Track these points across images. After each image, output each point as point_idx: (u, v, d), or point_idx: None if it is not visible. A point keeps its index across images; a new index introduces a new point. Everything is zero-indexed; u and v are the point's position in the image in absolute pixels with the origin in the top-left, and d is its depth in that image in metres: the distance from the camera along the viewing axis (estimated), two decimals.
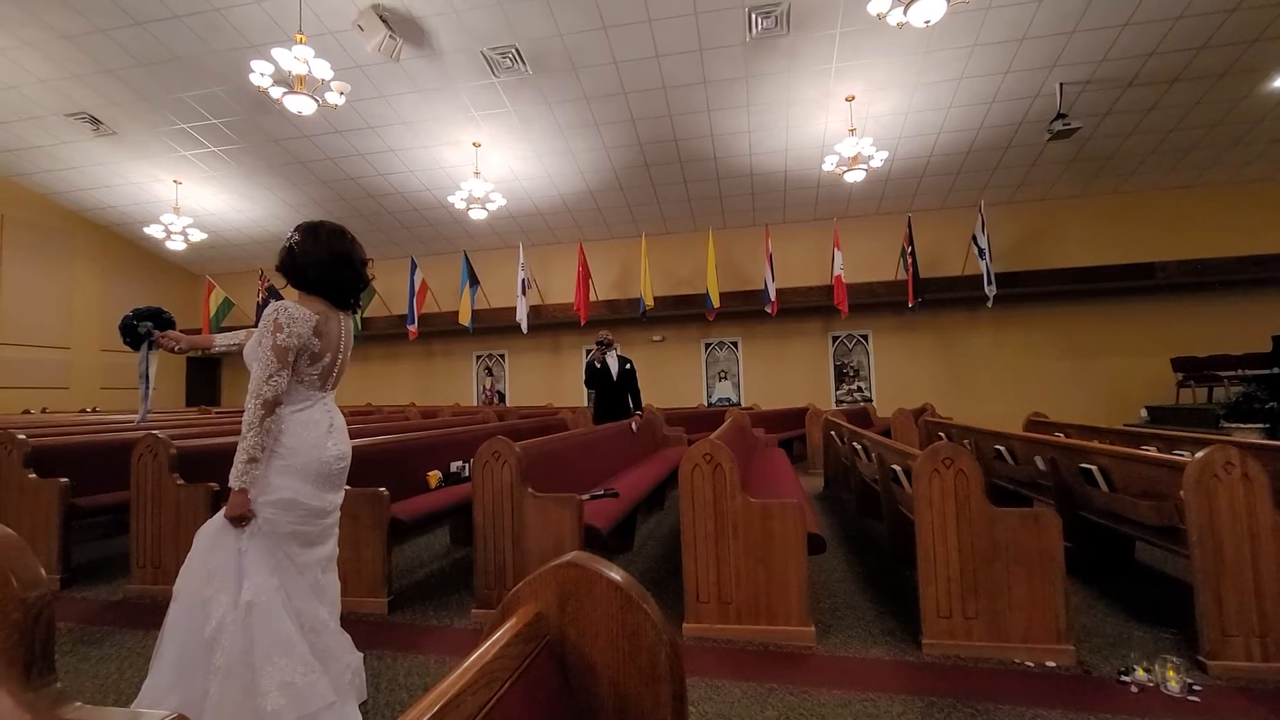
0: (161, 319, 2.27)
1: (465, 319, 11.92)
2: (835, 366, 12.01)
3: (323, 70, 6.15)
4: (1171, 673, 2.21)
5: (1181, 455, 2.54)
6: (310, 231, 1.95)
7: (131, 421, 6.22)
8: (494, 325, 12.38)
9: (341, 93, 6.26)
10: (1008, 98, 8.63)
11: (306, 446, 1.85)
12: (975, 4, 6.91)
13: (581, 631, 0.77)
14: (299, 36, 6.24)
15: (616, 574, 0.78)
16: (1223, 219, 10.28)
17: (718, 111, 8.88)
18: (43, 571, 1.02)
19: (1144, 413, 9.58)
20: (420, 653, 2.63)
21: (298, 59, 6.02)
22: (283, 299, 1.91)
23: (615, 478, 4.32)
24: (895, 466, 3.24)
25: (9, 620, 0.95)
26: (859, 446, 4.42)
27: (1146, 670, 2.29)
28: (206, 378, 14.91)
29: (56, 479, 3.61)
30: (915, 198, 10.92)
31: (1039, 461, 3.77)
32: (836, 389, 11.91)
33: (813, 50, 7.72)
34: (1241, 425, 7.29)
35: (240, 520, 1.75)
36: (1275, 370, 7.77)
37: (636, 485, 4.02)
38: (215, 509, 3.27)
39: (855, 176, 8.78)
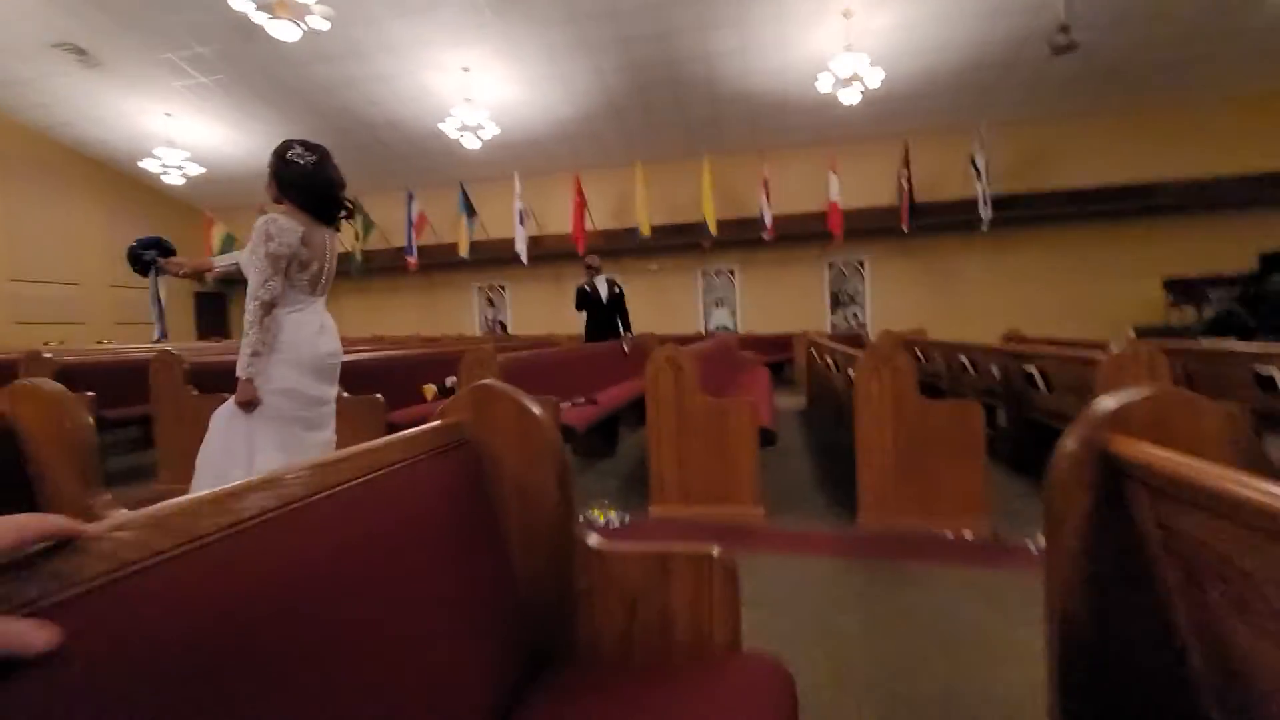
0: (163, 246, 2.48)
1: (464, 250, 12.04)
2: (831, 293, 12.14)
3: None
4: None
5: (1096, 355, 2.77)
6: (288, 150, 2.14)
7: (149, 345, 6.55)
8: (494, 256, 12.50)
9: (325, 17, 6.22)
10: (1009, 10, 8.36)
11: (301, 342, 2.12)
12: None
13: (491, 432, 1.03)
14: None
15: (515, 391, 1.04)
16: (1225, 136, 10.08)
17: (711, 30, 8.67)
18: (88, 415, 1.30)
19: (1131, 332, 9.73)
20: None
21: None
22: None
23: (601, 391, 4.61)
24: (849, 371, 3.50)
25: (67, 448, 1.24)
26: (830, 360, 4.67)
27: None
28: (215, 311, 15.24)
29: (84, 393, 3.93)
30: (915, 118, 10.71)
31: (994, 369, 4.01)
32: (832, 314, 12.09)
33: None
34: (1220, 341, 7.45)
35: (248, 405, 2.04)
36: (1252, 290, 7.85)
37: (618, 396, 4.32)
38: None
39: (851, 97, 8.64)
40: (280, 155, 2.13)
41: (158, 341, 2.99)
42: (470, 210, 12.06)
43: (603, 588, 1.01)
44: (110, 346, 9.07)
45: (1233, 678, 0.76)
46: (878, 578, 2.40)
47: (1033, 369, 3.42)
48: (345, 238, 10.64)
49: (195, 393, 3.65)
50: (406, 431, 0.94)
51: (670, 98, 10.22)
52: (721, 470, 2.94)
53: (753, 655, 0.96)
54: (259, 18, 6.14)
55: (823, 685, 1.70)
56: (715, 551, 0.99)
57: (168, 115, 10.60)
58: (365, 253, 12.71)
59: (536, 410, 1.02)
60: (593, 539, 1.03)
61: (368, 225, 12.25)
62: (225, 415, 2.08)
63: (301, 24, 6.29)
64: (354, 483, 0.79)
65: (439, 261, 12.80)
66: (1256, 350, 3.14)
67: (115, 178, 12.96)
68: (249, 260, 2.07)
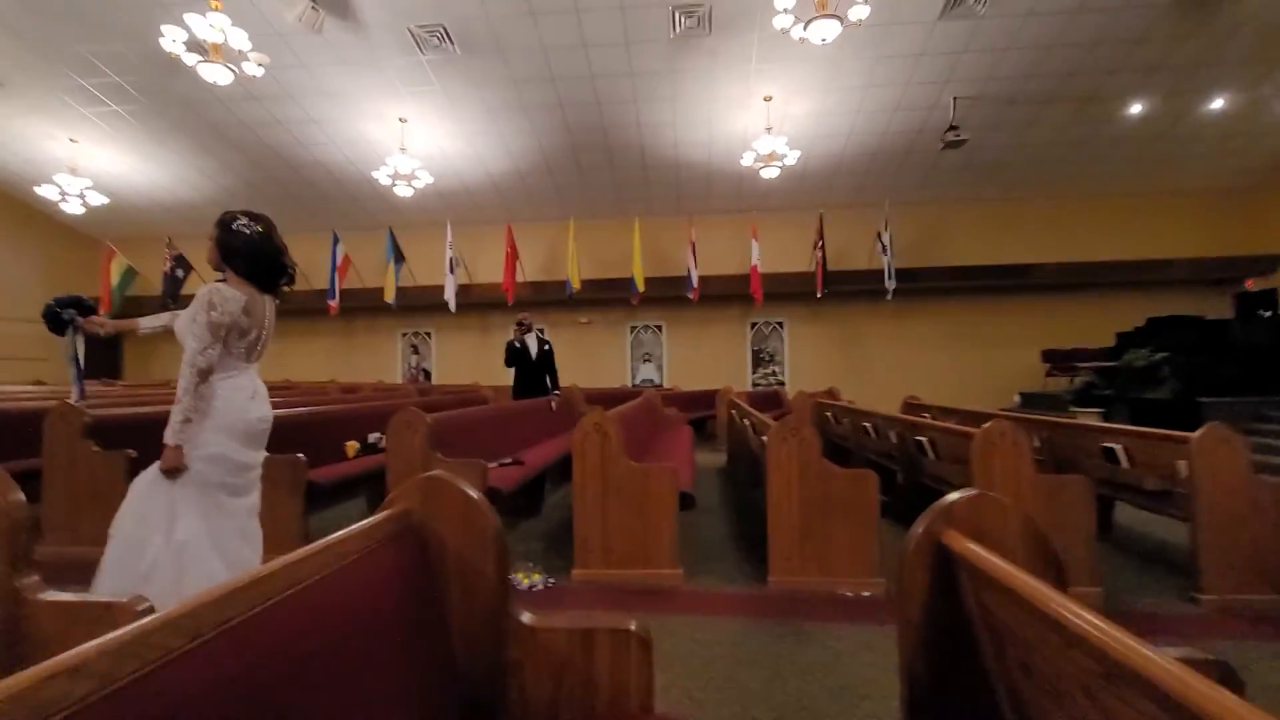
0: (83, 305, 2.43)
1: (390, 296, 11.86)
2: (753, 351, 12.73)
3: (240, 40, 6.09)
4: None
5: (972, 429, 3.16)
6: (233, 221, 2.21)
7: (28, 391, 6.07)
8: (420, 303, 12.37)
9: (261, 64, 6.22)
10: (909, 107, 9.40)
11: (234, 409, 2.14)
12: (878, 19, 7.50)
13: (438, 519, 1.16)
14: (214, 3, 6.13)
15: (462, 483, 1.17)
16: (1090, 226, 11.57)
17: (645, 103, 9.23)
18: (19, 491, 1.32)
19: (1017, 398, 10.75)
20: None
21: (213, 26, 5.94)
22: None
23: (527, 450, 4.69)
24: (764, 437, 3.77)
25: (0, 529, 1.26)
26: (748, 423, 4.97)
27: None
28: (107, 351, 14.13)
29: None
30: (828, 194, 11.66)
31: (892, 435, 4.41)
32: (754, 373, 12.65)
33: (733, 51, 8.17)
34: (1084, 409, 8.41)
35: (173, 472, 2.03)
36: (1112, 363, 8.93)
37: (544, 455, 4.41)
38: (132, 474, 3.43)
39: (771, 173, 9.36)
40: (225, 225, 2.19)
41: (76, 403, 2.87)
42: (398, 256, 11.96)
43: (533, 659, 1.14)
44: None
45: None
46: (782, 635, 2.59)
47: (924, 438, 3.81)
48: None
49: (95, 448, 3.46)
50: (363, 522, 1.06)
51: (604, 160, 10.68)
52: (643, 533, 3.09)
53: (663, 717, 1.11)
54: (190, 59, 6.06)
55: None
56: (633, 625, 1.15)
57: (73, 141, 10.06)
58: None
59: (480, 503, 1.16)
60: (525, 616, 1.16)
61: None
62: (147, 481, 2.06)
63: (235, 69, 6.26)
64: (317, 578, 0.90)
65: (361, 305, 12.52)
66: (1103, 427, 3.65)
67: (6, 203, 12.02)
68: (187, 327, 2.09)
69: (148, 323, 2.40)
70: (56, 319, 2.33)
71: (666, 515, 3.07)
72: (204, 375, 2.05)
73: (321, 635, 0.87)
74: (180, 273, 11.99)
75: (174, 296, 12.06)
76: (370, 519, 1.09)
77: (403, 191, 9.75)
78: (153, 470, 2.06)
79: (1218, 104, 9.38)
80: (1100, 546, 3.47)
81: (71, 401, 2.93)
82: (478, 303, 12.42)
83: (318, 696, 0.81)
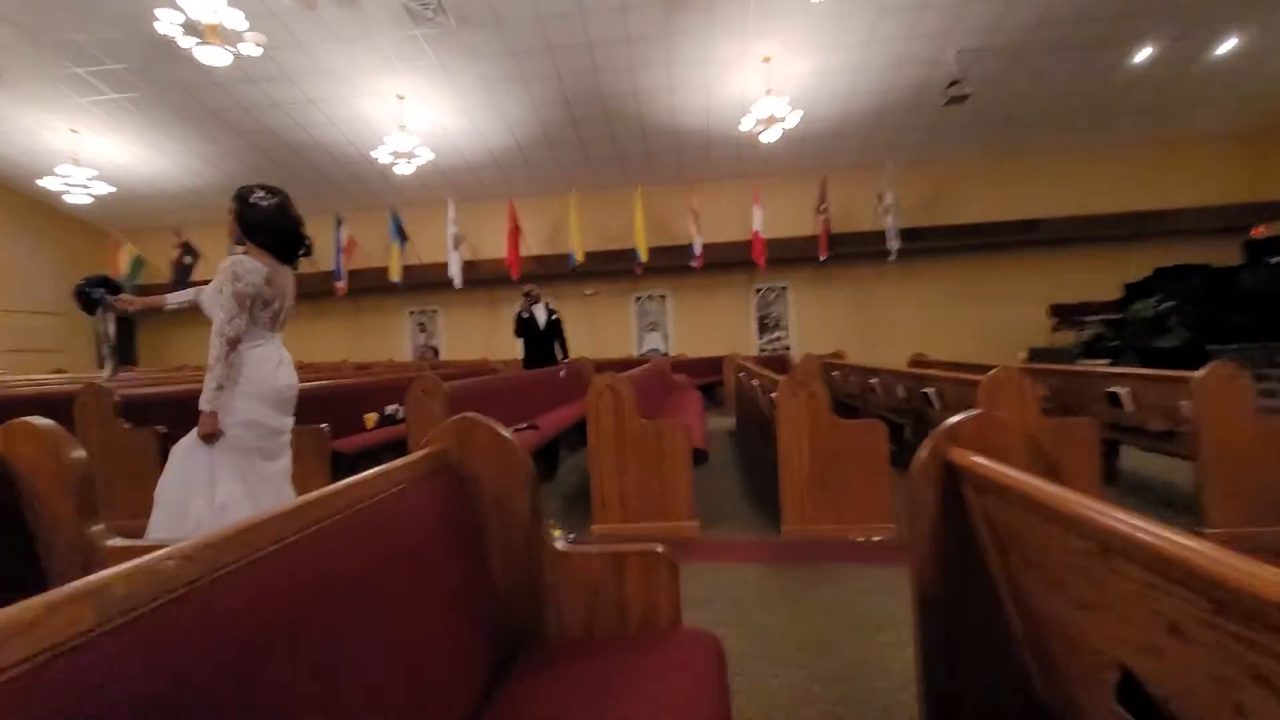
0: (111, 284, 2.51)
1: (395, 275, 11.92)
2: (758, 317, 12.75)
3: (235, 20, 6.05)
4: None
5: (978, 377, 3.21)
6: (250, 194, 2.26)
7: (53, 379, 6.19)
8: (426, 281, 12.42)
9: (258, 44, 6.19)
10: (913, 61, 9.23)
11: (262, 377, 2.22)
12: None
13: (472, 456, 1.24)
14: None
15: (491, 421, 1.25)
16: (1098, 179, 11.42)
17: (642, 69, 9.12)
18: (81, 447, 1.41)
19: (1024, 353, 10.75)
20: None
21: (207, 7, 5.90)
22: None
23: (540, 417, 4.78)
24: (771, 394, 3.84)
25: (65, 481, 1.35)
26: (756, 384, 5.03)
27: None
28: (121, 337, 14.30)
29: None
30: (830, 156, 11.53)
31: (900, 390, 4.47)
32: (760, 339, 12.68)
33: (730, 10, 8.03)
34: (1092, 361, 8.42)
35: (210, 437, 2.12)
36: (1119, 315, 8.91)
37: (558, 421, 4.51)
38: (163, 450, 3.54)
39: (771, 137, 9.26)
40: (243, 199, 2.24)
41: (108, 380, 2.96)
42: (402, 235, 11.98)
43: (568, 583, 1.22)
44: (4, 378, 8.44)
45: (1037, 639, 1.06)
46: (797, 578, 2.69)
47: (930, 390, 3.87)
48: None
49: (127, 426, 3.57)
50: (402, 459, 1.13)
51: (603, 131, 10.59)
52: (659, 488, 3.18)
53: (691, 629, 1.20)
54: (187, 42, 6.04)
55: (749, 655, 1.99)
56: (660, 548, 1.23)
57: (73, 131, 10.06)
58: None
59: (513, 442, 1.23)
60: (559, 542, 1.24)
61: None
62: (185, 447, 2.15)
63: (232, 50, 6.24)
64: (366, 504, 0.97)
65: (368, 286, 12.59)
66: (1107, 372, 3.69)
67: (9, 196, 12.07)
68: (213, 299, 2.16)
69: (174, 299, 2.48)
70: (87, 299, 2.40)
71: (682, 469, 3.16)
72: (233, 344, 2.13)
73: (372, 557, 0.95)
74: (189, 259, 12.06)
75: (184, 284, 12.17)
76: (408, 456, 1.17)
77: (403, 170, 9.72)
78: (191, 437, 2.15)
79: (1228, 46, 9.16)
80: (1106, 491, 3.55)
81: (104, 378, 3.02)
82: (483, 278, 12.46)
83: (370, 616, 0.89)
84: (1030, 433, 1.17)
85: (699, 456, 3.24)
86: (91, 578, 0.60)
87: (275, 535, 0.82)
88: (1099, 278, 11.21)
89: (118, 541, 1.37)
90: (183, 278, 12.18)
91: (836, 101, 10.04)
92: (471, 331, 13.23)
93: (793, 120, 9.09)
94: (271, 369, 2.26)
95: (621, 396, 3.19)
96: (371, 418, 4.43)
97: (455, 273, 11.48)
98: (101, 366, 2.67)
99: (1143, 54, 9.25)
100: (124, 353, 14.12)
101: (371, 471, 1.07)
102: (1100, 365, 8.11)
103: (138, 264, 12.55)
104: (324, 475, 3.45)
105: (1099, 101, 10.27)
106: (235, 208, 2.25)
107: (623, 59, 8.86)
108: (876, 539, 3.07)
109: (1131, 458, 4.29)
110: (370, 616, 0.89)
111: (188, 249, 12.21)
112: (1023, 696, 1.12)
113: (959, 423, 1.16)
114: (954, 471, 1.17)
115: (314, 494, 0.91)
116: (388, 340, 13.49)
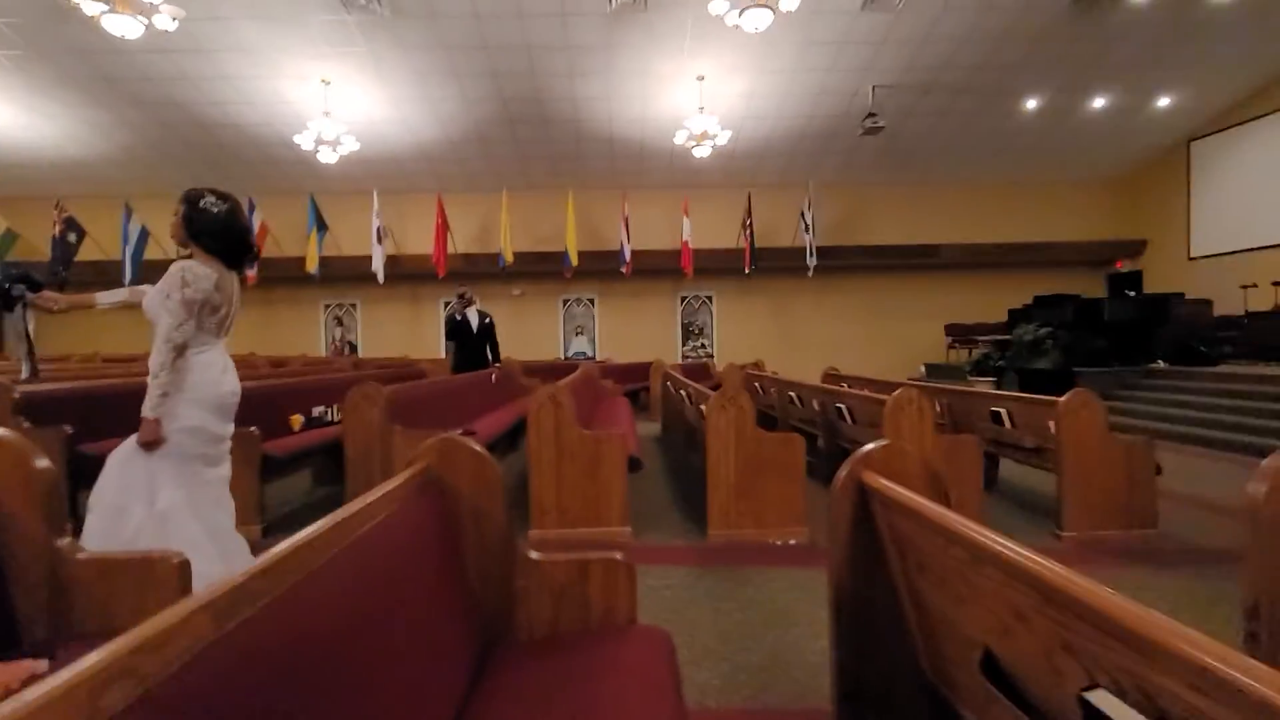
0: (32, 280, 2.38)
1: (312, 266, 11.42)
2: (683, 324, 13.14)
3: None
4: None
5: (884, 397, 3.59)
6: (200, 199, 2.24)
7: None
8: (345, 274, 11.97)
9: (175, 18, 5.85)
10: (834, 92, 9.86)
11: (208, 383, 2.21)
12: (807, 4, 7.75)
13: (452, 473, 1.36)
14: None
15: (473, 443, 1.38)
16: (990, 210, 12.60)
17: (580, 77, 9.24)
18: (47, 458, 1.42)
19: (922, 368, 11.69)
20: None
21: None
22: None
23: (475, 421, 4.82)
24: (701, 406, 4.09)
25: (34, 491, 1.37)
26: (684, 394, 5.29)
27: None
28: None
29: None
30: (756, 174, 12.08)
31: (815, 403, 4.84)
32: (683, 345, 13.07)
33: (669, 29, 8.30)
34: (980, 379, 9.32)
35: (152, 445, 2.09)
36: (1005, 336, 9.90)
37: (494, 426, 4.57)
38: (69, 452, 3.35)
39: (702, 152, 9.63)
40: (192, 203, 2.22)
41: (27, 381, 2.78)
42: (321, 224, 11.49)
43: (537, 586, 1.38)
44: None
45: (925, 627, 1.31)
46: (723, 579, 2.93)
47: (843, 405, 4.25)
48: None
49: (27, 425, 3.34)
50: (393, 480, 1.25)
51: (539, 132, 10.62)
52: (594, 495, 3.35)
53: (644, 626, 1.38)
54: (93, 8, 5.62)
55: (681, 650, 2.15)
56: (619, 555, 1.40)
57: None
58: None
59: (489, 459, 1.37)
60: (531, 552, 1.39)
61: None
62: (123, 454, 2.11)
63: (145, 21, 5.86)
64: (365, 529, 1.08)
65: (281, 275, 11.96)
66: (992, 394, 4.20)
67: None
68: (160, 304, 2.13)
69: (105, 298, 2.39)
70: (6, 295, 2.28)
71: (617, 478, 3.34)
72: (180, 350, 2.11)
73: (374, 578, 1.06)
74: (73, 237, 11.04)
75: (66, 263, 11.11)
76: (398, 476, 1.28)
77: (326, 157, 9.37)
78: (129, 443, 2.11)
79: (1100, 102, 10.39)
80: (986, 496, 4.04)
81: (22, 379, 2.83)
82: (406, 274, 12.14)
83: (375, 630, 1.01)
84: (926, 458, 1.43)
85: (634, 464, 3.43)
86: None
87: (298, 563, 0.88)
88: (989, 301, 12.37)
89: (89, 553, 1.39)
90: (65, 255, 11.13)
91: (764, 123, 10.55)
92: (392, 328, 12.85)
93: (723, 138, 9.50)
94: (217, 375, 2.25)
95: (562, 407, 3.33)
96: (298, 419, 4.32)
97: (378, 267, 11.14)
98: (21, 367, 2.52)
99: (1030, 102, 10.33)
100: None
101: (374, 493, 1.17)
102: (987, 384, 9.00)
103: (8, 237, 11.33)
104: (253, 480, 3.37)
105: (994, 141, 11.35)
106: (183, 210, 2.22)
107: (561, 64, 8.95)
108: (792, 542, 3.38)
109: (1008, 468, 4.86)
110: (370, 629, 1.00)
111: (70, 224, 11.17)
112: (914, 675, 1.37)
113: (870, 451, 1.41)
114: (865, 491, 1.41)
115: (327, 520, 1.01)
116: (300, 333, 12.86)
